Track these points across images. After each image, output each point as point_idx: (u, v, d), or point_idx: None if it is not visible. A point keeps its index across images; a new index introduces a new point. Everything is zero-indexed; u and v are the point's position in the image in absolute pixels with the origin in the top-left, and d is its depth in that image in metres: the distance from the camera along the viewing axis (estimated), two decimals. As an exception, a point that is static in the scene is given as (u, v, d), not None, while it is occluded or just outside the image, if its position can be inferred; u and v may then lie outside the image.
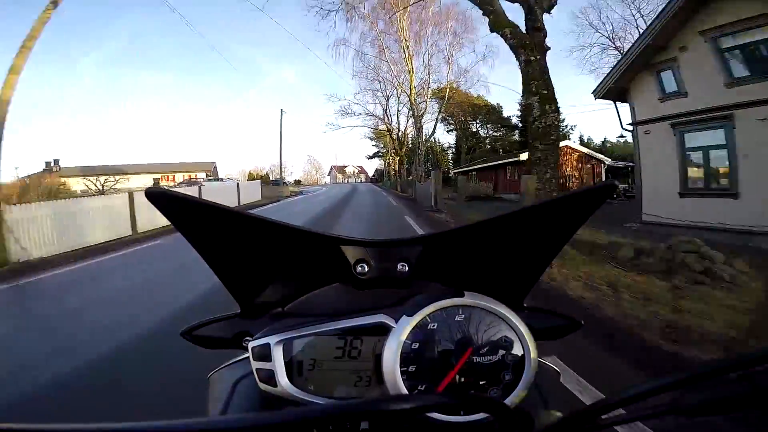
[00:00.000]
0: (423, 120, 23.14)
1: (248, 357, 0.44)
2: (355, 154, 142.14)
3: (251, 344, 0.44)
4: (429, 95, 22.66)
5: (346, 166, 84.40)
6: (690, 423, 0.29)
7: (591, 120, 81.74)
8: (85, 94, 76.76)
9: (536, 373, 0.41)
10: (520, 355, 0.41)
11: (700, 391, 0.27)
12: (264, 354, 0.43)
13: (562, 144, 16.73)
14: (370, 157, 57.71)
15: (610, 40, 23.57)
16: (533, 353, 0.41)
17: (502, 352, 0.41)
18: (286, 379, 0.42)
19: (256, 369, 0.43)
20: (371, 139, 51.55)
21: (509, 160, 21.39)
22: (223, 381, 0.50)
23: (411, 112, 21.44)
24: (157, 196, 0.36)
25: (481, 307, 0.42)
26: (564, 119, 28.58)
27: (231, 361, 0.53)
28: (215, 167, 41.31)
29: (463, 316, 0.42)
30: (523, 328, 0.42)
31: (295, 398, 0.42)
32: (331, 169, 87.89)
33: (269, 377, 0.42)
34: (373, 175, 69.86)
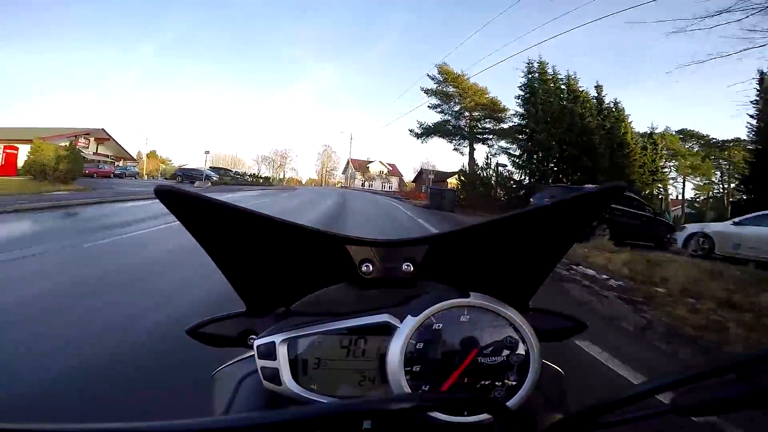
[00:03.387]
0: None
1: (253, 355, 0.44)
2: (386, 148, 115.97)
3: (256, 342, 0.44)
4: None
5: (371, 162, 58.17)
6: (690, 423, 0.27)
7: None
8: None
9: (540, 374, 0.42)
10: (524, 356, 0.42)
11: (699, 392, 0.27)
12: (269, 352, 0.43)
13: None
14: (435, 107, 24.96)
15: None
16: (538, 355, 0.42)
17: (506, 353, 0.42)
18: (291, 378, 0.42)
19: (261, 367, 0.43)
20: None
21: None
22: (228, 379, 0.50)
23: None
24: (164, 193, 0.37)
25: (487, 308, 0.42)
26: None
27: (235, 360, 0.52)
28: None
29: (468, 316, 0.42)
30: (528, 330, 0.42)
31: (299, 397, 0.42)
32: (347, 165, 61.52)
33: (274, 376, 0.42)
34: (430, 185, 31.98)
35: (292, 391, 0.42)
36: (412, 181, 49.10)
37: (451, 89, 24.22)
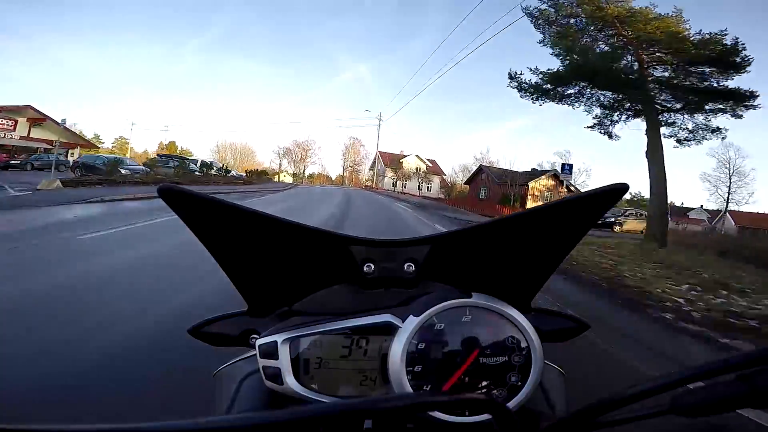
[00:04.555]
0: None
1: (254, 355, 0.44)
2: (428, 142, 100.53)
3: (258, 342, 0.44)
4: None
5: (405, 156, 47.05)
6: (690, 423, 0.29)
7: None
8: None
9: (542, 374, 0.42)
10: (526, 356, 0.42)
11: (699, 392, 0.27)
12: (271, 352, 0.43)
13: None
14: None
15: None
16: (540, 355, 0.42)
17: (508, 353, 0.42)
18: (292, 378, 0.42)
19: (263, 367, 0.43)
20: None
21: None
22: (229, 378, 0.50)
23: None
24: (168, 192, 0.37)
25: (489, 308, 0.42)
26: None
27: (237, 359, 0.52)
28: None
29: (470, 316, 0.42)
30: (530, 330, 0.42)
31: (301, 396, 0.42)
32: (375, 159, 50.47)
33: (275, 375, 0.42)
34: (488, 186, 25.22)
35: (293, 391, 0.42)
36: (466, 182, 37.45)
37: (587, 12, 12.40)
